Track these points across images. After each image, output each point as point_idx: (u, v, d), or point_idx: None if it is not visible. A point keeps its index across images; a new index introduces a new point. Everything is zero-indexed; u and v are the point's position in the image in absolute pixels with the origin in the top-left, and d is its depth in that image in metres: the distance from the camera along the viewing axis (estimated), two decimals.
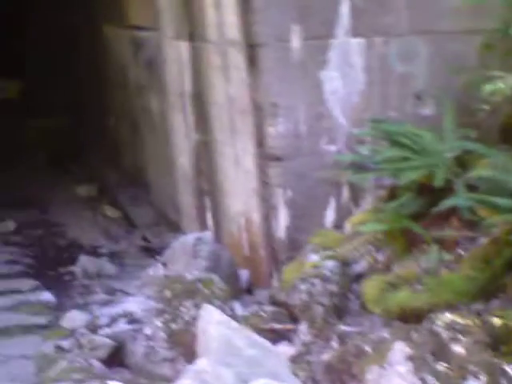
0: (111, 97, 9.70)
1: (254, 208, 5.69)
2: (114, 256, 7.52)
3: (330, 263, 4.80)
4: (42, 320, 6.13)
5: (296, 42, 5.33)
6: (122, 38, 8.78)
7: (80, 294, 6.64)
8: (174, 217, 7.74)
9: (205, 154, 6.58)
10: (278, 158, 5.39)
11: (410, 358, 3.75)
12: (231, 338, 4.36)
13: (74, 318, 5.93)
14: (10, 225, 8.64)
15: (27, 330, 6.03)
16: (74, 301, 6.51)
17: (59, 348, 5.56)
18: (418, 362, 3.73)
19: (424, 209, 4.67)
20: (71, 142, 11.98)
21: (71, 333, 5.68)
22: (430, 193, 4.67)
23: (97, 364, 5.07)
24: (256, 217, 5.68)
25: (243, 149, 5.78)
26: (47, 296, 6.50)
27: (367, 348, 4.02)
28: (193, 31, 6.42)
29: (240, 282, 5.78)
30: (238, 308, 5.18)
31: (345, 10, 5.36)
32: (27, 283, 6.92)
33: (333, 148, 5.41)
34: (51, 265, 7.38)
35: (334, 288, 4.71)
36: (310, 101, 5.37)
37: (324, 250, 5.03)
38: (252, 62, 5.45)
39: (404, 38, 5.46)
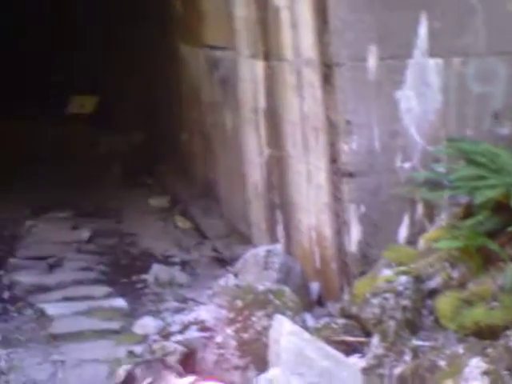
0: (186, 113, 9.89)
1: (326, 222, 5.78)
2: (185, 265, 7.65)
3: (404, 278, 4.85)
4: (114, 325, 6.26)
5: (372, 61, 5.43)
6: (198, 57, 8.97)
7: (152, 301, 6.78)
8: (244, 229, 7.87)
9: (277, 169, 6.71)
10: (351, 174, 5.47)
11: (486, 374, 3.80)
12: (303, 348, 4.45)
13: (146, 325, 6.10)
14: (85, 233, 8.84)
15: (100, 334, 6.16)
16: (146, 308, 6.64)
17: (131, 353, 5.70)
18: (493, 378, 3.78)
19: (500, 227, 4.70)
20: (146, 155, 12.24)
21: (143, 339, 5.86)
22: (506, 211, 4.71)
23: None
24: (328, 231, 5.78)
25: (316, 165, 5.88)
26: (120, 302, 6.64)
27: (441, 363, 4.06)
28: (268, 50, 6.56)
29: (310, 294, 5.87)
30: (309, 320, 5.26)
31: (423, 30, 5.45)
32: (101, 290, 7.07)
33: (407, 165, 5.49)
34: (124, 272, 7.56)
35: (407, 303, 4.76)
36: (384, 119, 5.46)
37: (397, 265, 5.08)
38: (327, 80, 5.56)
39: (482, 58, 5.53)
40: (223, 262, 7.52)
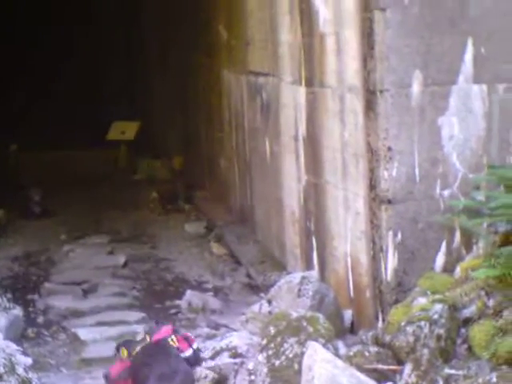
0: (226, 139, 9.91)
1: (362, 250, 5.70)
2: (218, 291, 7.64)
3: (439, 306, 4.77)
4: None
5: (416, 87, 5.36)
6: (241, 83, 9.00)
7: (184, 326, 6.70)
8: (279, 255, 7.83)
9: (314, 196, 6.66)
10: (390, 201, 5.40)
11: None
12: (336, 376, 4.38)
13: None
14: (120, 259, 8.86)
15: None
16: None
17: None
18: None
19: None
20: (184, 181, 12.29)
21: None
22: None
23: None
24: (363, 258, 5.69)
25: (354, 191, 5.82)
26: None
27: None
28: (311, 76, 6.55)
29: (343, 321, 5.79)
30: (342, 347, 5.17)
31: (468, 56, 5.39)
32: (134, 315, 7.06)
33: (447, 193, 5.40)
34: (158, 298, 7.55)
35: (441, 331, 4.68)
36: (426, 145, 5.39)
37: (433, 293, 5.00)
38: (369, 106, 5.51)
39: None
40: (256, 289, 7.49)
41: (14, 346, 5.98)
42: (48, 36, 18.45)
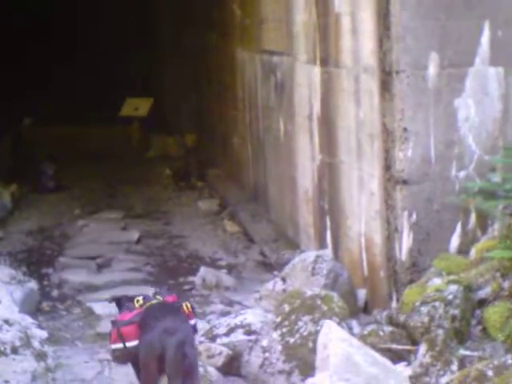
0: (240, 117, 9.93)
1: (377, 230, 5.74)
2: (232, 269, 7.68)
3: (454, 287, 4.80)
4: None
5: (433, 69, 5.38)
6: (255, 62, 9.00)
7: (198, 303, 6.77)
8: (292, 234, 7.87)
9: (328, 175, 6.69)
10: (404, 182, 5.42)
11: None
12: (352, 354, 4.41)
13: None
14: (134, 234, 8.91)
15: None
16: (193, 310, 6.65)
17: None
18: None
19: None
20: (197, 158, 12.30)
21: None
22: None
23: (213, 371, 5.22)
24: (378, 238, 5.73)
25: (369, 172, 5.84)
26: None
27: (489, 373, 4.01)
28: (326, 56, 6.56)
29: (357, 301, 5.84)
30: (356, 326, 5.22)
31: (485, 39, 5.40)
32: (148, 290, 7.02)
33: (462, 174, 5.43)
34: (171, 274, 7.60)
35: (455, 312, 4.71)
36: (441, 127, 5.41)
37: (447, 274, 5.03)
38: (385, 87, 5.52)
39: None
40: (270, 267, 7.53)
41: (29, 320, 6.07)
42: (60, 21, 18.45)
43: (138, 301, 4.68)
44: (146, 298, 4.68)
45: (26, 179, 11.38)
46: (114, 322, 4.64)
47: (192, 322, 4.62)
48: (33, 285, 6.88)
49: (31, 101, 15.23)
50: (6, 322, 5.83)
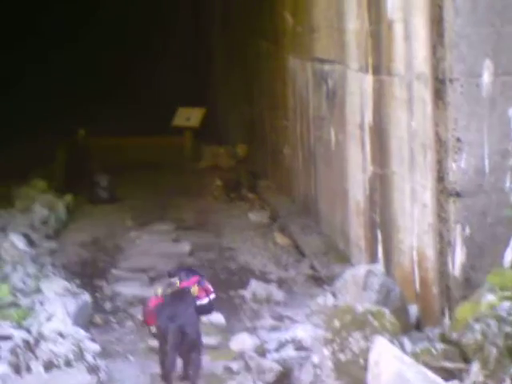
0: (291, 127, 9.85)
1: (429, 243, 5.60)
2: (282, 283, 7.58)
3: (507, 304, 4.64)
4: (212, 341, 6.20)
5: (487, 77, 5.24)
6: (307, 70, 8.93)
7: (249, 317, 6.73)
8: (343, 247, 7.76)
9: (380, 187, 6.56)
10: (458, 194, 5.28)
11: None
12: (403, 372, 4.33)
13: (243, 341, 6.03)
14: (186, 247, 8.88)
15: None
16: (243, 324, 6.60)
17: (228, 369, 5.68)
18: None
19: None
20: (248, 169, 12.28)
21: (240, 355, 5.79)
22: None
23: None
24: (430, 252, 5.59)
25: (421, 183, 5.71)
26: (218, 317, 6.54)
27: None
28: (378, 64, 6.45)
29: (409, 317, 5.70)
30: (407, 343, 5.07)
31: None
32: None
33: None
34: (222, 287, 7.48)
35: (509, 330, 4.54)
36: (496, 137, 5.26)
37: (501, 290, 4.86)
38: (438, 96, 5.39)
39: None
40: (320, 281, 7.42)
41: (82, 333, 6.07)
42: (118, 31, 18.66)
43: (158, 290, 5.63)
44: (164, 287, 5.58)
45: (81, 190, 11.48)
46: (143, 306, 5.68)
47: (203, 301, 5.46)
48: (86, 297, 6.89)
49: (86, 112, 15.39)
50: (60, 334, 5.86)
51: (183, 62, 18.03)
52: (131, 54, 18.62)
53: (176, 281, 5.64)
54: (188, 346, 5.26)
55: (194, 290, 5.53)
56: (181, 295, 5.51)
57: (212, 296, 5.58)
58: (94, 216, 10.58)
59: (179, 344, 5.20)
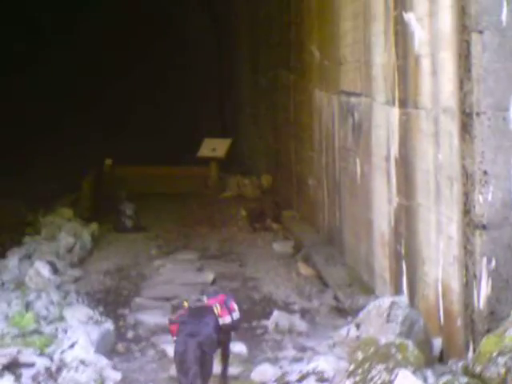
0: (316, 158, 9.88)
1: (454, 276, 5.56)
2: (305, 313, 7.54)
3: None
4: (233, 370, 6.16)
5: None
6: (333, 102, 8.97)
7: (271, 348, 6.69)
8: (367, 278, 7.73)
9: (405, 218, 6.54)
10: (484, 227, 5.25)
11: None
12: None
13: (265, 372, 6.00)
14: (209, 276, 8.88)
15: (218, 378, 5.99)
16: (265, 354, 6.56)
17: None
18: None
19: None
20: (273, 199, 12.31)
21: None
22: None
23: None
24: (455, 285, 5.55)
25: (447, 215, 5.69)
26: (240, 347, 6.56)
27: None
28: (405, 97, 6.46)
29: (432, 349, 5.65)
30: (430, 376, 5.03)
31: None
32: None
33: None
34: (245, 317, 7.39)
35: None
36: None
37: None
38: (465, 129, 5.38)
39: None
40: (344, 312, 7.38)
41: (104, 361, 6.07)
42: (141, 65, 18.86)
43: (184, 302, 5.68)
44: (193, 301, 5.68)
45: (106, 219, 11.55)
46: (170, 319, 5.67)
47: (226, 320, 5.53)
48: (109, 325, 6.90)
49: (112, 142, 15.53)
50: (82, 362, 5.88)
51: (208, 92, 18.17)
52: (156, 85, 18.79)
53: (204, 297, 5.74)
54: (202, 363, 5.32)
55: (217, 308, 5.60)
56: (202, 312, 5.60)
57: (235, 315, 5.66)
58: (119, 244, 10.65)
59: (198, 359, 5.28)
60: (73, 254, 9.67)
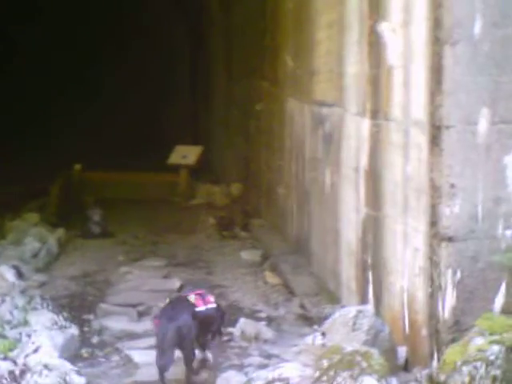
0: (286, 167, 9.93)
1: (420, 286, 5.62)
2: (271, 321, 7.56)
3: (496, 348, 4.68)
4: (198, 377, 6.16)
5: (483, 125, 5.30)
6: (305, 112, 9.01)
7: (237, 355, 6.69)
8: (333, 287, 7.77)
9: (372, 229, 6.60)
10: (450, 239, 5.32)
11: None
12: None
13: (230, 379, 5.99)
14: (176, 283, 8.80)
15: None
16: (231, 361, 6.56)
17: None
18: None
19: None
20: (242, 207, 12.33)
21: None
22: None
23: None
24: (420, 295, 5.62)
25: (414, 227, 5.75)
26: (205, 354, 6.48)
27: None
28: (376, 109, 6.51)
29: (397, 358, 5.70)
30: None
31: None
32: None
33: (509, 233, 5.31)
34: None
35: (497, 373, 4.60)
36: (490, 184, 5.31)
37: (490, 334, 4.89)
38: (434, 142, 5.44)
39: None
40: (310, 320, 7.40)
41: (68, 365, 6.04)
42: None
43: (167, 299, 6.23)
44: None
45: (73, 224, 11.49)
46: (154, 315, 6.46)
47: (200, 308, 6.09)
48: (73, 330, 6.88)
49: (82, 148, 15.48)
50: (46, 366, 5.84)
51: (181, 100, 18.17)
52: (128, 91, 18.75)
53: (182, 292, 6.41)
54: (182, 346, 5.92)
55: (191, 298, 6.20)
56: (179, 301, 6.21)
57: (211, 305, 6.23)
58: (86, 250, 10.60)
59: (176, 342, 5.89)
60: (38, 259, 9.62)
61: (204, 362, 6.28)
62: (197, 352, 6.11)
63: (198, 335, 6.16)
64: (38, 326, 6.74)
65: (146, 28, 19.16)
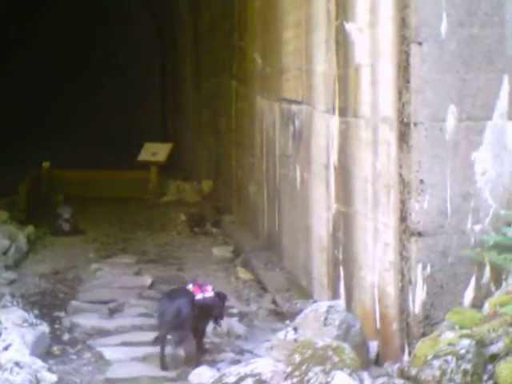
0: (257, 164, 9.97)
1: (390, 281, 5.69)
2: (243, 317, 7.60)
3: (466, 342, 4.72)
4: (170, 373, 6.24)
5: (451, 122, 5.37)
6: (274, 110, 9.06)
7: (209, 351, 6.69)
8: (305, 283, 7.82)
9: (343, 225, 6.66)
10: (420, 234, 5.39)
11: None
12: None
13: (202, 374, 6.03)
14: (147, 280, 8.89)
15: (156, 381, 6.14)
16: (203, 357, 6.55)
17: None
18: None
19: None
20: (213, 204, 12.35)
21: None
22: None
23: None
24: (391, 290, 5.68)
25: (384, 222, 5.81)
26: (177, 350, 6.55)
27: None
28: (345, 106, 6.57)
29: (369, 352, 5.76)
30: (367, 378, 5.13)
31: (503, 93, 5.39)
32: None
33: (478, 228, 5.38)
34: None
35: (467, 367, 4.63)
36: (458, 180, 5.38)
37: (460, 328, 4.96)
38: (403, 139, 5.51)
39: None
40: (282, 316, 7.46)
41: (39, 363, 6.04)
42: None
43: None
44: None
45: (43, 222, 11.44)
46: None
47: (198, 296, 6.45)
48: (44, 328, 6.86)
49: (53, 146, 15.41)
50: (17, 364, 5.83)
51: (150, 96, 18.13)
52: (97, 88, 18.68)
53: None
54: (180, 325, 6.34)
55: (190, 287, 6.63)
56: (179, 290, 6.78)
57: (208, 294, 6.57)
58: (56, 248, 10.57)
59: (175, 321, 6.33)
60: (7, 257, 9.58)
61: (202, 352, 6.45)
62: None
63: (197, 322, 6.40)
64: (9, 324, 6.70)
65: (114, 24, 19.09)
